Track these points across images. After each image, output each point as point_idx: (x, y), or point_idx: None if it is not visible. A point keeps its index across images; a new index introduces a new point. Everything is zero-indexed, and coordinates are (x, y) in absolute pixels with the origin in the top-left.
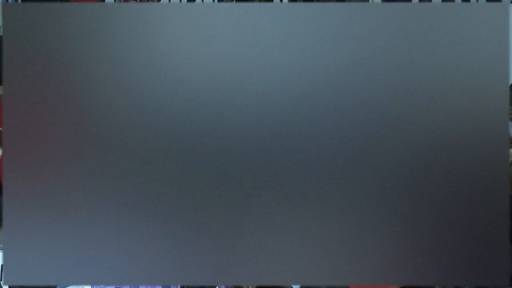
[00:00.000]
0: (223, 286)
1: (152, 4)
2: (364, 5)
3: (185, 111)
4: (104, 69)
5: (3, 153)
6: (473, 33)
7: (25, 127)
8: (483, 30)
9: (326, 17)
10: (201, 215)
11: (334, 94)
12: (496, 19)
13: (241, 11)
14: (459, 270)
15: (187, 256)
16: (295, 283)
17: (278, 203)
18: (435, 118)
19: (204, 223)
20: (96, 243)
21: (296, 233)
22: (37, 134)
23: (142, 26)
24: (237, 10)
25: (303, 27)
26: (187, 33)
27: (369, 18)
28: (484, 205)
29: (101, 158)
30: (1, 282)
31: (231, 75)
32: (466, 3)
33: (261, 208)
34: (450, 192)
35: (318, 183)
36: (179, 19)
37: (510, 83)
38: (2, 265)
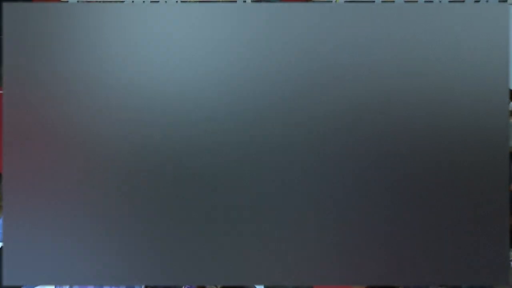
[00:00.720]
0: (187, 286)
1: (152, 4)
2: (364, 5)
3: (184, 111)
4: (104, 69)
5: (3, 153)
6: (473, 33)
7: (25, 127)
8: (483, 30)
9: (327, 17)
10: (199, 217)
11: (333, 95)
12: (496, 19)
13: (240, 11)
14: (459, 270)
15: (188, 256)
16: (294, 283)
17: (278, 204)
18: (434, 118)
19: (201, 226)
20: (95, 244)
21: (295, 233)
22: (37, 134)
23: (142, 26)
24: (237, 10)
25: (303, 27)
26: (187, 33)
27: (369, 18)
28: (484, 205)
29: (101, 158)
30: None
31: (231, 75)
32: (466, 3)
33: (258, 209)
34: (450, 192)
35: (317, 183)
36: (179, 19)
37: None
38: None
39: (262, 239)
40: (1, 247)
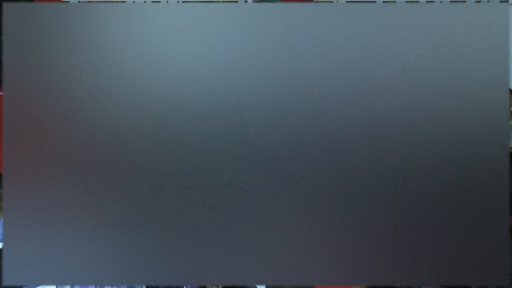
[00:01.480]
0: (188, 286)
1: (153, 4)
2: (365, 5)
3: (183, 111)
4: (104, 69)
5: (3, 153)
6: (473, 33)
7: (25, 127)
8: (483, 30)
9: (328, 17)
10: (200, 216)
11: (333, 95)
12: (496, 19)
13: (241, 11)
14: (459, 270)
15: (188, 256)
16: (291, 283)
17: (278, 204)
18: (434, 118)
19: (201, 226)
20: (95, 244)
21: (295, 233)
22: (37, 134)
23: (143, 26)
24: (238, 10)
25: (304, 27)
26: (186, 33)
27: (369, 18)
28: (484, 205)
29: (101, 158)
30: None
31: (231, 75)
32: (466, 3)
33: (258, 209)
34: (450, 192)
35: (316, 183)
36: (180, 19)
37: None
38: None
39: (263, 239)
40: (1, 247)
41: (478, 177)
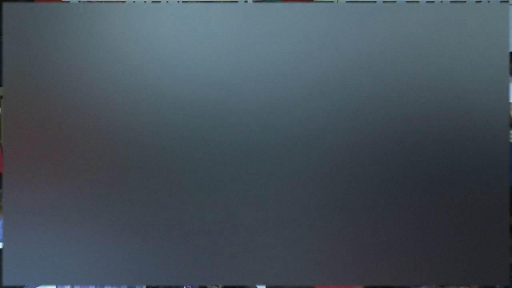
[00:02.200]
0: (188, 286)
1: (154, 4)
2: (366, 5)
3: (183, 111)
4: (104, 69)
5: (3, 153)
6: (473, 33)
7: (25, 127)
8: (483, 30)
9: (328, 17)
10: (200, 216)
11: (333, 95)
12: (496, 19)
13: (241, 11)
14: (459, 270)
15: (189, 256)
16: (290, 283)
17: (278, 204)
18: (434, 118)
19: (202, 226)
20: (96, 244)
21: (295, 233)
22: (37, 134)
23: (144, 26)
24: (238, 10)
25: (304, 27)
26: (186, 33)
27: (369, 18)
28: (484, 205)
29: (102, 159)
30: None
31: (232, 75)
32: (466, 3)
33: (258, 209)
34: (450, 191)
35: (316, 183)
36: (180, 19)
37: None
38: None
39: (263, 239)
40: (1, 247)
41: (478, 177)
